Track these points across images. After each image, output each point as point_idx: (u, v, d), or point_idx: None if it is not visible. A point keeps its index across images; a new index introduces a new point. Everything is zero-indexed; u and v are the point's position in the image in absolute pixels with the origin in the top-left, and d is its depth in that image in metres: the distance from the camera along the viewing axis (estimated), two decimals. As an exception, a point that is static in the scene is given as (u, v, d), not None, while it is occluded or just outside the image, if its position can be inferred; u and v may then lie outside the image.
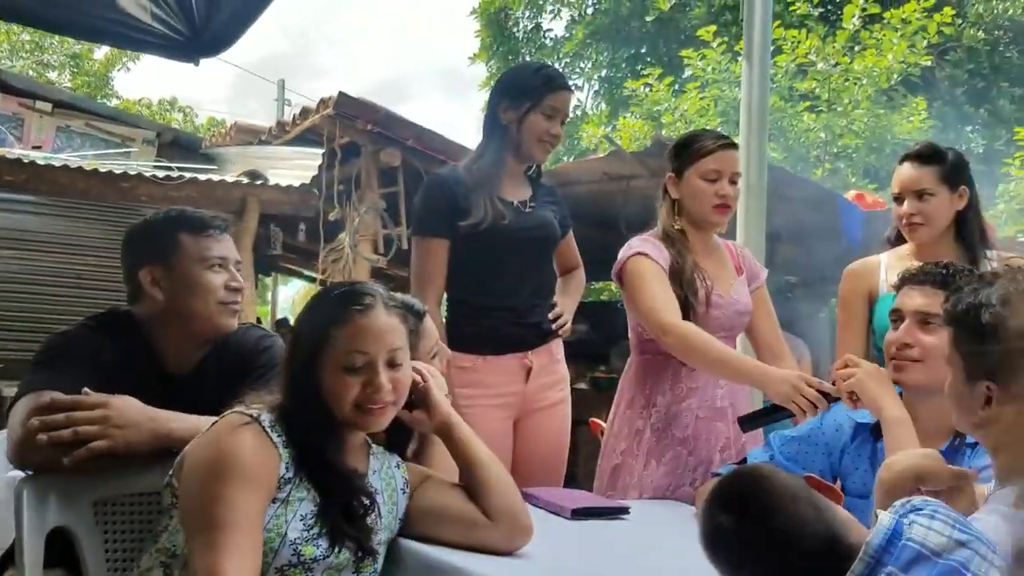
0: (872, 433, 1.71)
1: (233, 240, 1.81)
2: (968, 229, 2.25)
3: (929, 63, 8.85)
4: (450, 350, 2.04)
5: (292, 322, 5.84)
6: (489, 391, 2.29)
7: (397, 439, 1.57)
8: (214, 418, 1.37)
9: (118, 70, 16.27)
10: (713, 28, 8.73)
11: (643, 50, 11.72)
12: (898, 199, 2.27)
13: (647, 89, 9.50)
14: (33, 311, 6.08)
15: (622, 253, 2.16)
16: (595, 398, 4.75)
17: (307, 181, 6.28)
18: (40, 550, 1.50)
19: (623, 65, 11.78)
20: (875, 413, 1.64)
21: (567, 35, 12.62)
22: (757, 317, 2.28)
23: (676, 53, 9.71)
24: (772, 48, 3.58)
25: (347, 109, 5.55)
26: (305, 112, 6.14)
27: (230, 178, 6.62)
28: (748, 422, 1.92)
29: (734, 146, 2.20)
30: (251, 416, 1.33)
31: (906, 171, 2.26)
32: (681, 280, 2.10)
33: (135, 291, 1.73)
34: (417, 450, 1.70)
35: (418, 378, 1.51)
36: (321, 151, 5.97)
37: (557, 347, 2.43)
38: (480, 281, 2.33)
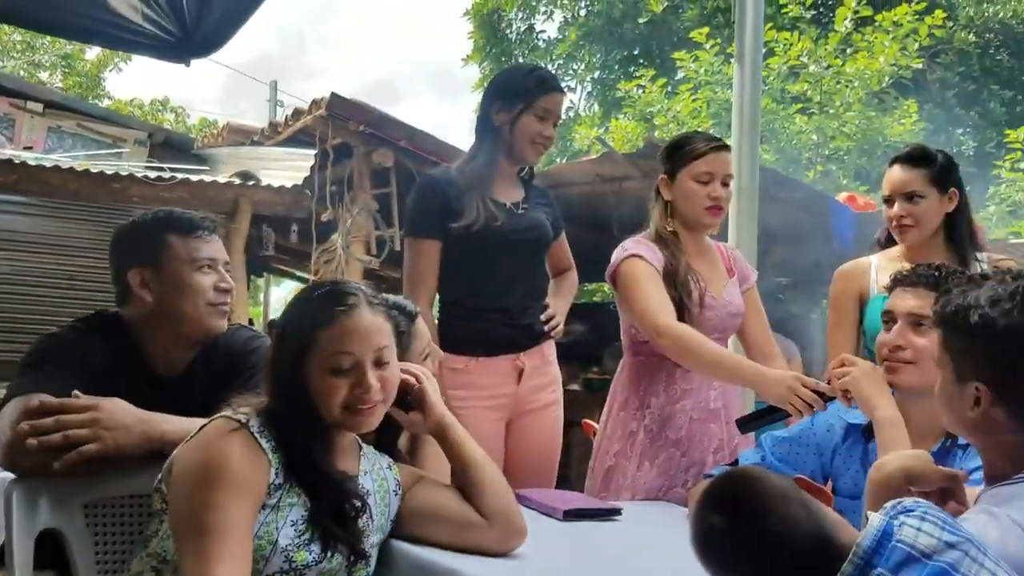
0: (863, 434, 1.71)
1: (225, 241, 1.81)
2: (958, 231, 2.26)
3: (920, 66, 8.91)
4: (442, 351, 2.04)
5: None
6: (481, 392, 2.29)
7: (385, 437, 1.56)
8: (205, 420, 1.36)
9: (110, 70, 16.27)
10: (706, 30, 8.75)
11: (636, 52, 11.77)
12: (888, 201, 2.28)
13: (640, 91, 9.53)
14: (23, 312, 6.03)
15: (616, 255, 2.16)
16: (587, 399, 4.76)
17: (299, 182, 6.26)
18: (30, 552, 1.49)
19: (616, 67, 11.82)
20: (867, 413, 1.65)
21: (560, 37, 12.65)
22: (747, 318, 2.28)
23: (669, 55, 9.75)
24: (764, 50, 3.58)
25: (339, 110, 5.54)
26: (297, 113, 6.13)
27: (222, 179, 6.59)
28: (746, 424, 1.92)
29: (726, 148, 2.21)
30: (239, 422, 1.31)
31: (896, 173, 2.27)
32: (675, 282, 2.10)
33: (123, 293, 1.72)
34: (410, 450, 1.69)
35: (413, 380, 1.50)
36: (313, 152, 5.96)
37: (549, 349, 2.43)
38: (472, 282, 2.33)
